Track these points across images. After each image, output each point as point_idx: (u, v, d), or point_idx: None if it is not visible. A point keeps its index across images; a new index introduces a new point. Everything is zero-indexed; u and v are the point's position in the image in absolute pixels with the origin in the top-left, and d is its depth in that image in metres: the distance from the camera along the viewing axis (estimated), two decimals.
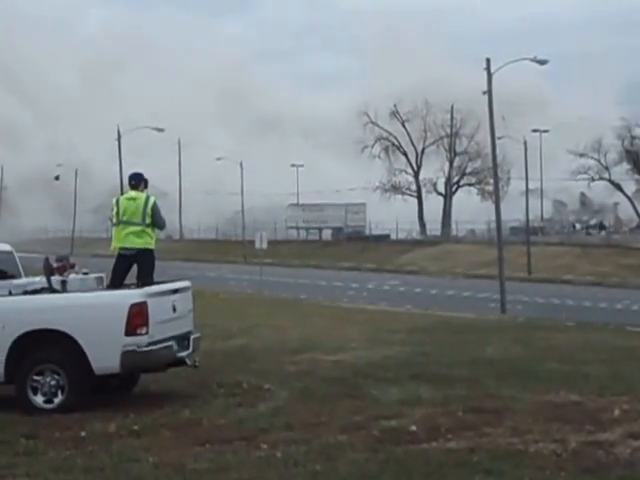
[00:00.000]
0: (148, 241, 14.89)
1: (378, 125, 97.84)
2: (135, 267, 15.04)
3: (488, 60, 42.57)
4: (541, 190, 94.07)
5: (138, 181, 15.17)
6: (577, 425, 11.79)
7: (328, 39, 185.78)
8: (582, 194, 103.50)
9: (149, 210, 14.84)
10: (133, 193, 15.08)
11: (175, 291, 15.08)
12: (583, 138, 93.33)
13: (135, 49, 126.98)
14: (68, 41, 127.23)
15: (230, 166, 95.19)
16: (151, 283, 14.74)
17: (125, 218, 14.81)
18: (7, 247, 16.33)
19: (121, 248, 14.87)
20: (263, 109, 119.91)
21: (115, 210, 14.96)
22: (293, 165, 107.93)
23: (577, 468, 9.86)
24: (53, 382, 13.89)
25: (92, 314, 13.98)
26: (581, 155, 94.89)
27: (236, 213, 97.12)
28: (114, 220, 15.02)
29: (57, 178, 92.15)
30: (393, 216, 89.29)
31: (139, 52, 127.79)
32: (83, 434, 12.19)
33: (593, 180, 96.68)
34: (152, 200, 14.99)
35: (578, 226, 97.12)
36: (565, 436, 11.21)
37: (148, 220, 14.85)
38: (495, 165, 45.54)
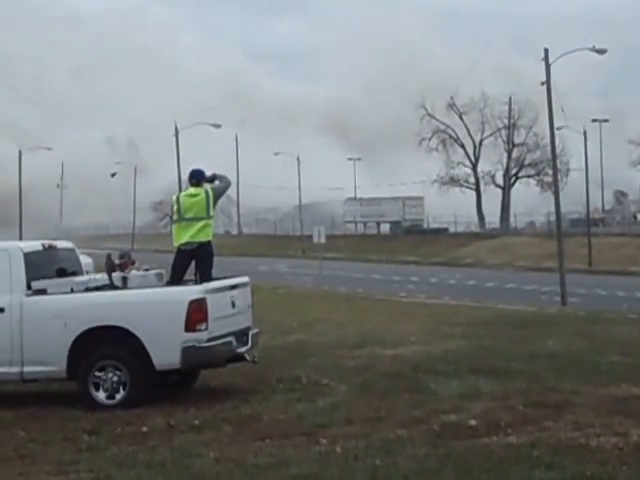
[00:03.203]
0: (209, 233, 15.10)
1: (435, 118, 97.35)
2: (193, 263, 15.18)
3: (546, 50, 42.11)
4: (601, 180, 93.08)
5: (199, 179, 15.28)
6: (639, 419, 11.67)
7: (381, 33, 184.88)
8: None
9: (212, 201, 14.99)
10: (192, 190, 15.20)
11: (234, 287, 15.17)
12: None
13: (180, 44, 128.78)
14: (123, 37, 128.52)
15: (287, 160, 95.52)
16: (210, 279, 14.84)
17: (190, 215, 14.93)
18: (69, 244, 16.49)
19: (182, 244, 15.00)
20: (320, 104, 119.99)
21: (176, 207, 15.11)
22: (350, 159, 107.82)
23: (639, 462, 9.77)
24: (115, 378, 14.05)
25: (152, 310, 14.14)
26: None
27: (294, 208, 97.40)
28: (175, 217, 15.18)
29: (114, 175, 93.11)
30: (451, 209, 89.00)
31: (187, 48, 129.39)
32: (145, 429, 12.33)
33: None
34: (210, 190, 15.13)
35: (639, 217, 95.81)
36: (627, 430, 11.11)
37: (212, 212, 15.05)
38: (554, 156, 45.01)
